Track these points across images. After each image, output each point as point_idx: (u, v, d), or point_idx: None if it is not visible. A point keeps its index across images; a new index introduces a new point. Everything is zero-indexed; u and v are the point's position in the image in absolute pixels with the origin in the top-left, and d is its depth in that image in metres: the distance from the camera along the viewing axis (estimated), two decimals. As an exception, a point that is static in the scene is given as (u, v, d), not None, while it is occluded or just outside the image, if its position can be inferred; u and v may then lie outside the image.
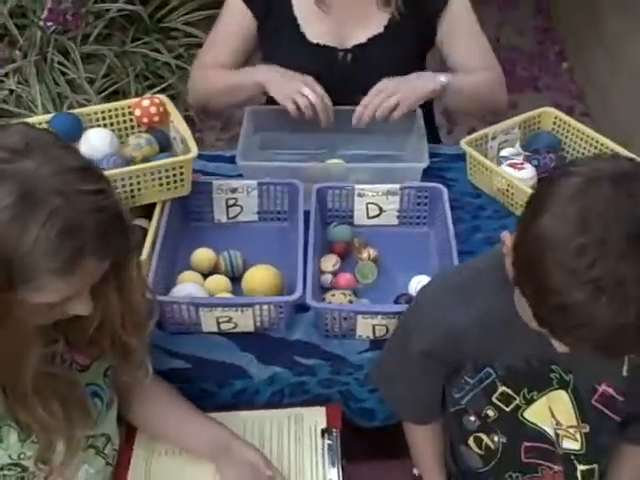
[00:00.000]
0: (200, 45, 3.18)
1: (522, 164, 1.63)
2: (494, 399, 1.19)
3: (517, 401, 1.18)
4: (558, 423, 1.18)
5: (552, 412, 1.17)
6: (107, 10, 3.00)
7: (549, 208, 0.90)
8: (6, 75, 2.80)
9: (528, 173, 1.61)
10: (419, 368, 1.22)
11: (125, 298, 1.07)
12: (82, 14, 2.82)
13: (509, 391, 1.18)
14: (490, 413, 1.20)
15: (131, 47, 3.03)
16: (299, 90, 1.64)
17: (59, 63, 2.82)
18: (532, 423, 1.20)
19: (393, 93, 1.63)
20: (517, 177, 1.59)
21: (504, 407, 1.19)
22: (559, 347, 1.01)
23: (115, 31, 3.06)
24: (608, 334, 0.88)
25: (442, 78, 1.68)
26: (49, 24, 2.74)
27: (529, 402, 1.18)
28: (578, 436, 1.19)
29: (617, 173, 0.89)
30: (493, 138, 1.71)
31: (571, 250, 0.86)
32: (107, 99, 2.78)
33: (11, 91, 2.77)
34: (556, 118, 1.77)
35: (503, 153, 1.70)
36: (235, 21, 1.82)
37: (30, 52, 2.81)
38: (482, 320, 1.12)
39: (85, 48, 2.91)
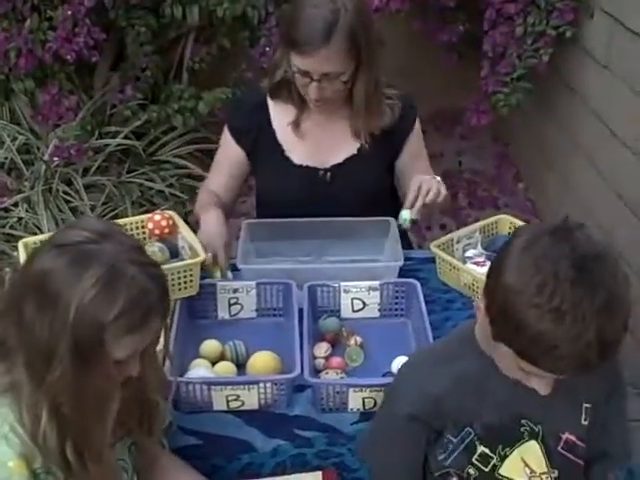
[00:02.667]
0: (189, 175, 3.52)
1: (484, 262, 1.89)
2: (474, 460, 1.38)
3: (494, 460, 1.37)
4: (532, 471, 1.37)
5: (525, 462, 1.37)
6: (106, 145, 3.32)
7: (507, 265, 1.17)
8: (15, 204, 3.07)
9: None
10: (404, 433, 1.40)
11: (153, 358, 1.28)
12: (85, 149, 3.12)
13: (487, 451, 1.36)
14: (471, 472, 1.38)
15: (127, 177, 3.34)
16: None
17: (63, 192, 3.10)
18: (508, 479, 1.38)
19: (430, 186, 1.84)
20: (480, 273, 1.84)
21: (483, 468, 1.38)
22: (540, 388, 1.24)
23: (113, 163, 3.37)
24: (577, 350, 1.12)
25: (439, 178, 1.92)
26: (55, 158, 3.03)
27: (503, 459, 1.37)
28: None
29: (552, 228, 1.18)
30: (458, 242, 1.97)
31: (532, 289, 1.12)
32: (107, 224, 3.05)
33: (19, 218, 3.02)
34: (511, 223, 2.05)
35: (467, 254, 1.95)
36: (227, 155, 2.10)
37: (37, 183, 3.09)
38: (458, 382, 1.33)
39: (86, 179, 3.21)
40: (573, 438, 1.36)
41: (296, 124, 2.01)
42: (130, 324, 1.13)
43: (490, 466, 1.37)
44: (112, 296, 1.11)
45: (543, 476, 1.38)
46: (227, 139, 2.08)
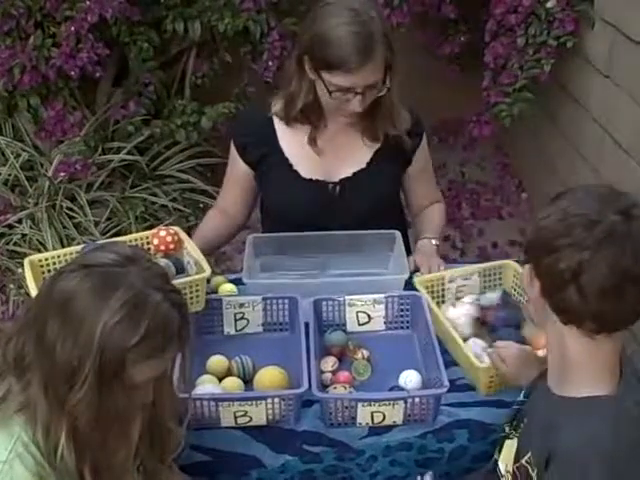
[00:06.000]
0: (192, 190, 3.54)
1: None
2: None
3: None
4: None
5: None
6: (110, 161, 3.33)
7: None
8: (19, 221, 3.08)
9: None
10: None
11: (168, 384, 1.28)
12: (89, 165, 3.13)
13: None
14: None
15: (131, 193, 3.35)
16: None
17: (67, 208, 3.11)
18: None
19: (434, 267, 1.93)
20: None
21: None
22: None
23: (116, 179, 3.38)
24: None
25: (434, 242, 2.06)
26: (61, 173, 3.04)
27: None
28: None
29: None
30: (450, 281, 1.83)
31: None
32: (111, 239, 3.05)
33: (23, 235, 3.03)
34: (515, 271, 1.85)
35: (465, 299, 1.80)
36: (234, 170, 2.10)
37: (40, 200, 3.10)
38: None
39: (90, 195, 3.22)
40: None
41: (313, 141, 1.99)
42: (150, 350, 1.13)
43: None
44: (136, 321, 1.12)
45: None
46: (233, 155, 2.08)
